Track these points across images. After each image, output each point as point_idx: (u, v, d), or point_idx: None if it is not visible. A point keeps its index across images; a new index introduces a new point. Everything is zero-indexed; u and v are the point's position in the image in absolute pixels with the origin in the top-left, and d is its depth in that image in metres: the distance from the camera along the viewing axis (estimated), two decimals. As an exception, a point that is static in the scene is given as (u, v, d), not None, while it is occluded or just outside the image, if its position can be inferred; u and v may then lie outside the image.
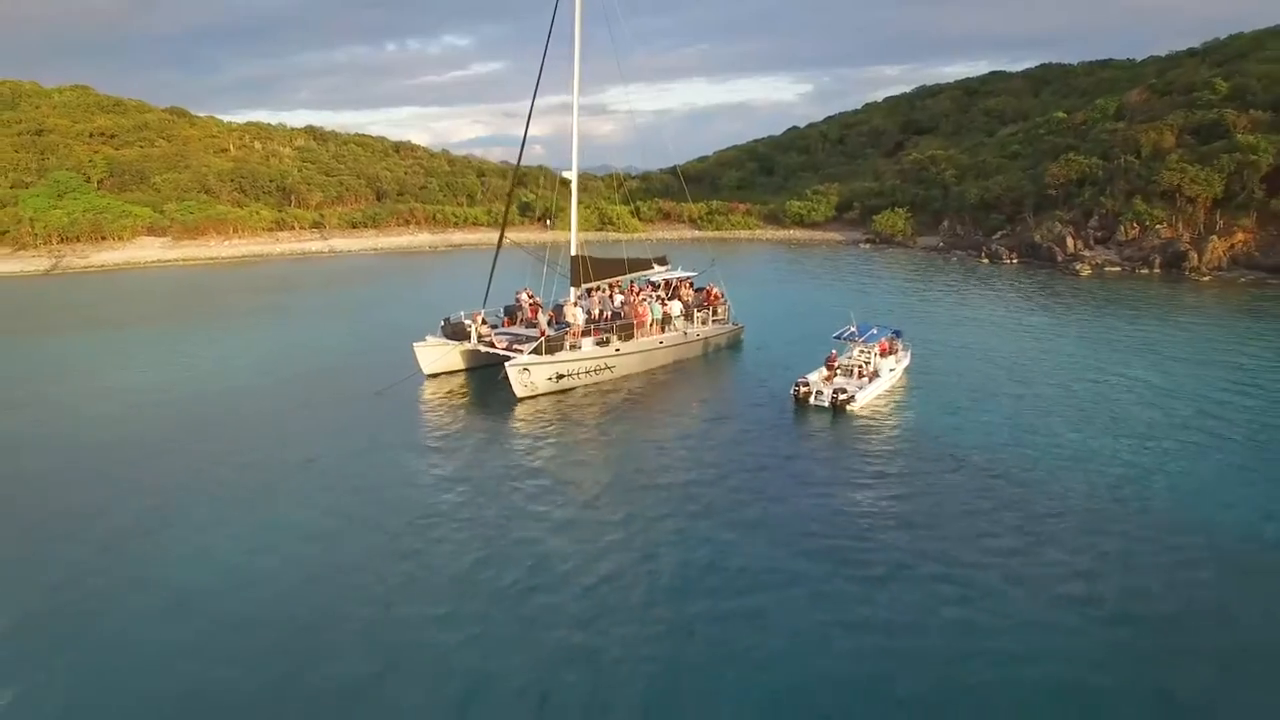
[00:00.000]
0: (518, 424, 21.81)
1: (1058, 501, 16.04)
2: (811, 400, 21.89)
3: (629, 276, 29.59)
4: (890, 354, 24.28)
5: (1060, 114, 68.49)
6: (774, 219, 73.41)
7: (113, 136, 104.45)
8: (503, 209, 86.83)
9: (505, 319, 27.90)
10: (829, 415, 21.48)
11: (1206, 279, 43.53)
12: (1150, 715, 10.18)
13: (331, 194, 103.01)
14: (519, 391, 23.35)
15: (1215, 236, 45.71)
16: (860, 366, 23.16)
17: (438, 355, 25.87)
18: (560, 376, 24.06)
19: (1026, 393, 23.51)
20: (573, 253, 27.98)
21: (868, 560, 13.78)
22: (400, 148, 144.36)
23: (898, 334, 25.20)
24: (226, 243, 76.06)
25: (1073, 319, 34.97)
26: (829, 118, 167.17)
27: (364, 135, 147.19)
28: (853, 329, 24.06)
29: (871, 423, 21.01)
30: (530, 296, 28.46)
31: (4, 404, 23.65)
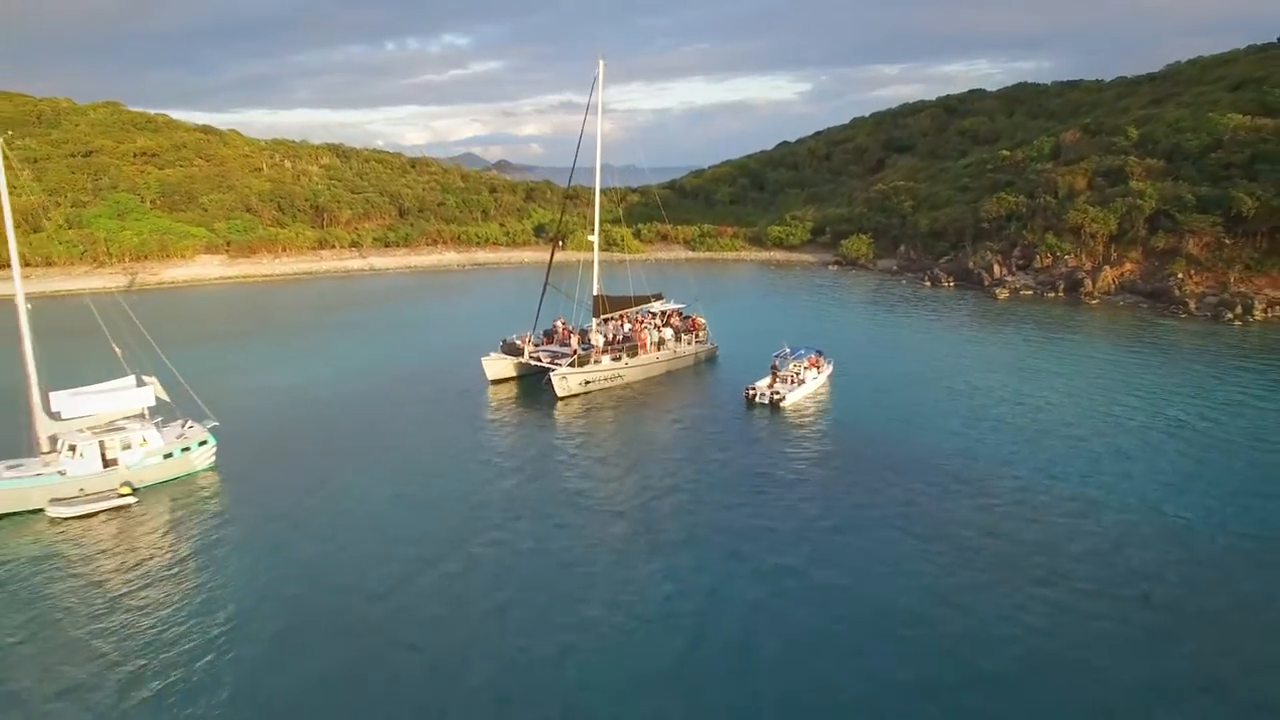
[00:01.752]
0: (559, 413, 32.46)
1: (920, 461, 26.64)
2: (756, 399, 32.53)
3: (634, 309, 40.24)
4: (815, 367, 34.91)
5: (1005, 152, 78.93)
6: (757, 241, 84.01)
7: (155, 156, 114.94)
8: (516, 225, 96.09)
9: (545, 339, 38.50)
10: (769, 410, 32.11)
11: (1095, 302, 54.20)
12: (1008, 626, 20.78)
13: (359, 211, 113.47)
14: (559, 392, 33.98)
15: (1108, 266, 56.36)
16: (792, 376, 33.78)
17: (499, 366, 36.50)
18: (587, 382, 34.69)
19: (919, 390, 34.14)
20: (594, 293, 38.68)
21: (781, 491, 24.43)
22: (416, 163, 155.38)
23: (820, 352, 35.85)
24: (276, 260, 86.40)
25: (975, 334, 45.63)
26: (817, 133, 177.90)
27: (382, 152, 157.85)
28: (786, 350, 34.72)
29: (796, 415, 31.64)
30: (564, 324, 39.08)
31: (205, 401, 34.24)
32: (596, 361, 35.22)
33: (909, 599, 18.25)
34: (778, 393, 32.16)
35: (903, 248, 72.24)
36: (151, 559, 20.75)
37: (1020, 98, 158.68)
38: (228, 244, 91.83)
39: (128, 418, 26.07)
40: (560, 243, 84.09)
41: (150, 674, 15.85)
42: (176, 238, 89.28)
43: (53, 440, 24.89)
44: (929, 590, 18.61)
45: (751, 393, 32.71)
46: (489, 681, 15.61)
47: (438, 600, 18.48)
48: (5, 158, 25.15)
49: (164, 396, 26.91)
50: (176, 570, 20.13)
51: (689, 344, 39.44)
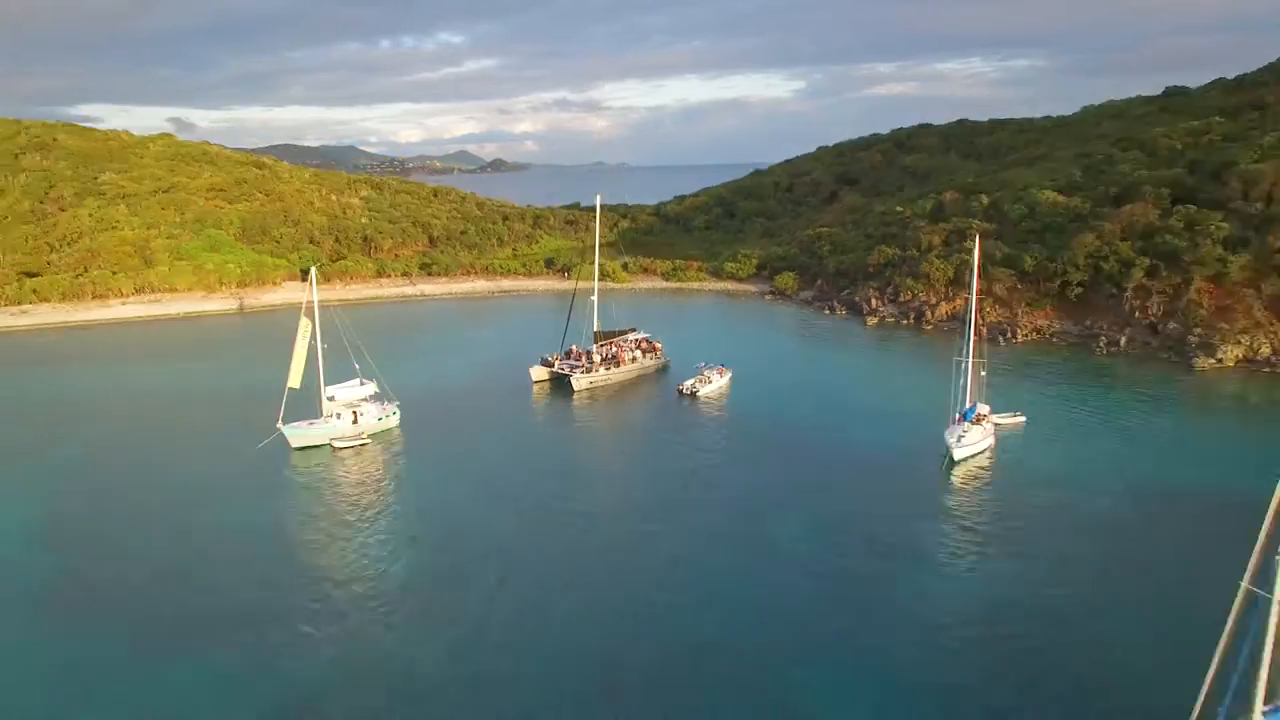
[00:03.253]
0: (575, 401, 58.41)
1: (772, 423, 52.47)
2: (684, 392, 58.40)
3: (618, 338, 66.02)
4: (720, 373, 60.76)
5: (899, 208, 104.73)
6: (716, 273, 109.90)
7: (222, 191, 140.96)
8: (527, 250, 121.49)
9: (565, 356, 64.33)
10: (689, 400, 57.96)
11: (930, 328, 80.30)
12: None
13: (397, 240, 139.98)
14: (575, 389, 59.84)
15: (944, 302, 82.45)
16: (706, 378, 59.62)
17: (538, 373, 62.31)
18: (592, 383, 60.55)
19: (783, 380, 59.95)
20: (594, 329, 64.55)
21: (689, 435, 50.42)
22: (439, 192, 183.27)
23: (724, 365, 61.71)
24: (347, 287, 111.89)
25: (837, 347, 71.57)
26: (786, 161, 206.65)
27: (409, 182, 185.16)
28: (704, 364, 60.63)
29: (704, 402, 57.51)
30: (577, 348, 64.89)
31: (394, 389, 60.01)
32: (596, 371, 61.09)
33: (757, 503, 44.15)
34: (695, 388, 58.08)
35: (819, 282, 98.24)
36: (377, 469, 46.65)
37: (959, 134, 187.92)
38: (303, 273, 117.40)
39: (362, 399, 51.90)
40: (566, 273, 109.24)
41: (375, 518, 41.71)
42: (267, 269, 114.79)
43: (330, 410, 50.68)
44: (766, 499, 44.51)
45: (681, 388, 58.67)
46: (589, 528, 41.51)
47: (540, 483, 44.38)
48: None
49: (374, 390, 52.73)
50: (389, 473, 46.06)
51: (650, 359, 65.34)
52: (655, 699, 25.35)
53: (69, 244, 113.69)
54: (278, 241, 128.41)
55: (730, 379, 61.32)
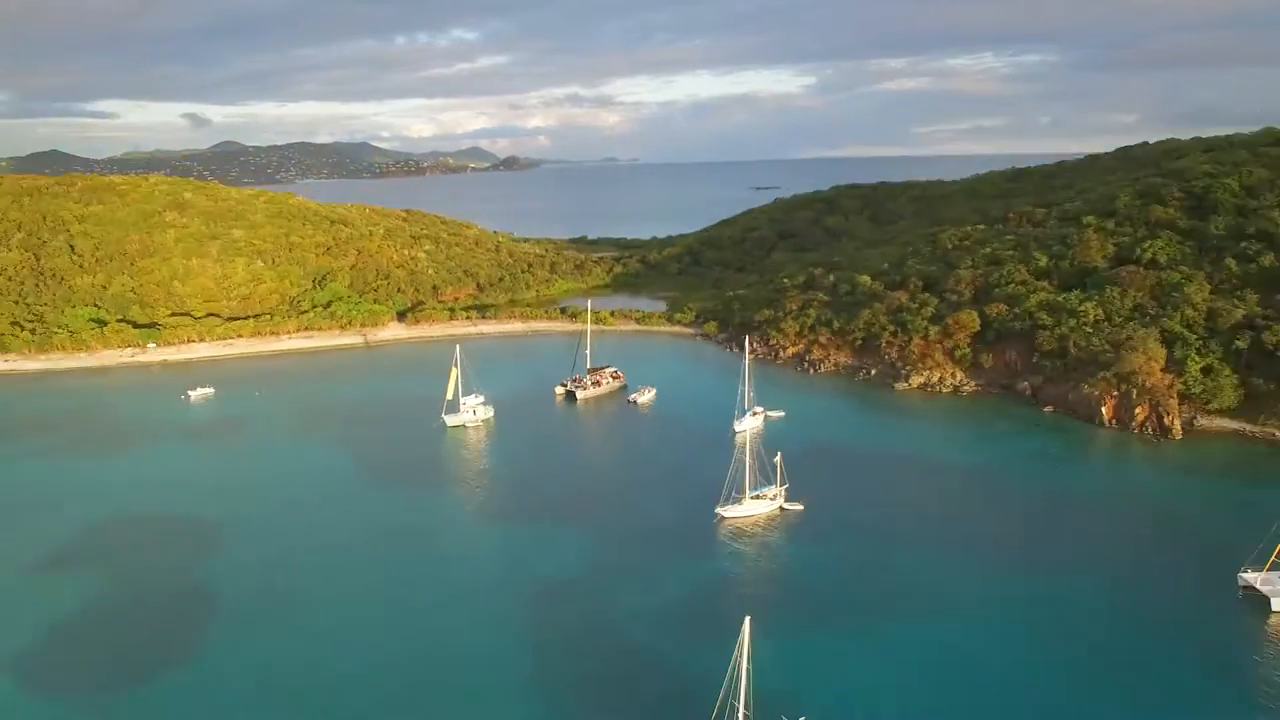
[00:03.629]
0: (578, 406, 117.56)
1: (672, 415, 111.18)
2: (630, 401, 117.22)
3: (600, 371, 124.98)
4: (616, 378, 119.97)
5: (785, 279, 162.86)
6: (671, 319, 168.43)
7: (329, 249, 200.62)
8: (546, 291, 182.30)
9: (574, 381, 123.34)
10: (633, 405, 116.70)
11: (780, 361, 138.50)
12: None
13: (455, 286, 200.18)
14: (579, 399, 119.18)
15: (792, 346, 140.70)
16: (603, 381, 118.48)
17: (558, 391, 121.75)
18: (586, 397, 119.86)
19: (684, 392, 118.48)
20: (588, 366, 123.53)
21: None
22: (480, 240, 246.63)
23: (618, 372, 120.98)
24: (434, 326, 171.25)
25: (722, 371, 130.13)
26: (747, 211, 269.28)
27: (456, 234, 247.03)
28: (641, 387, 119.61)
29: (643, 408, 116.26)
30: (578, 377, 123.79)
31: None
32: (588, 389, 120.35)
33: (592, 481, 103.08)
34: (635, 400, 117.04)
35: (729, 329, 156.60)
36: (489, 435, 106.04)
37: (873, 197, 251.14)
38: (401, 315, 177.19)
39: (479, 403, 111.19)
40: (574, 316, 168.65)
41: (491, 451, 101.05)
42: (376, 313, 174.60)
43: (466, 407, 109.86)
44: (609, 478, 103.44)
45: (629, 399, 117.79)
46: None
47: (563, 443, 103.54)
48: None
49: (483, 398, 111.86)
50: (494, 438, 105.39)
51: (616, 383, 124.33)
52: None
53: (241, 296, 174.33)
54: (376, 290, 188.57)
55: (622, 385, 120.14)
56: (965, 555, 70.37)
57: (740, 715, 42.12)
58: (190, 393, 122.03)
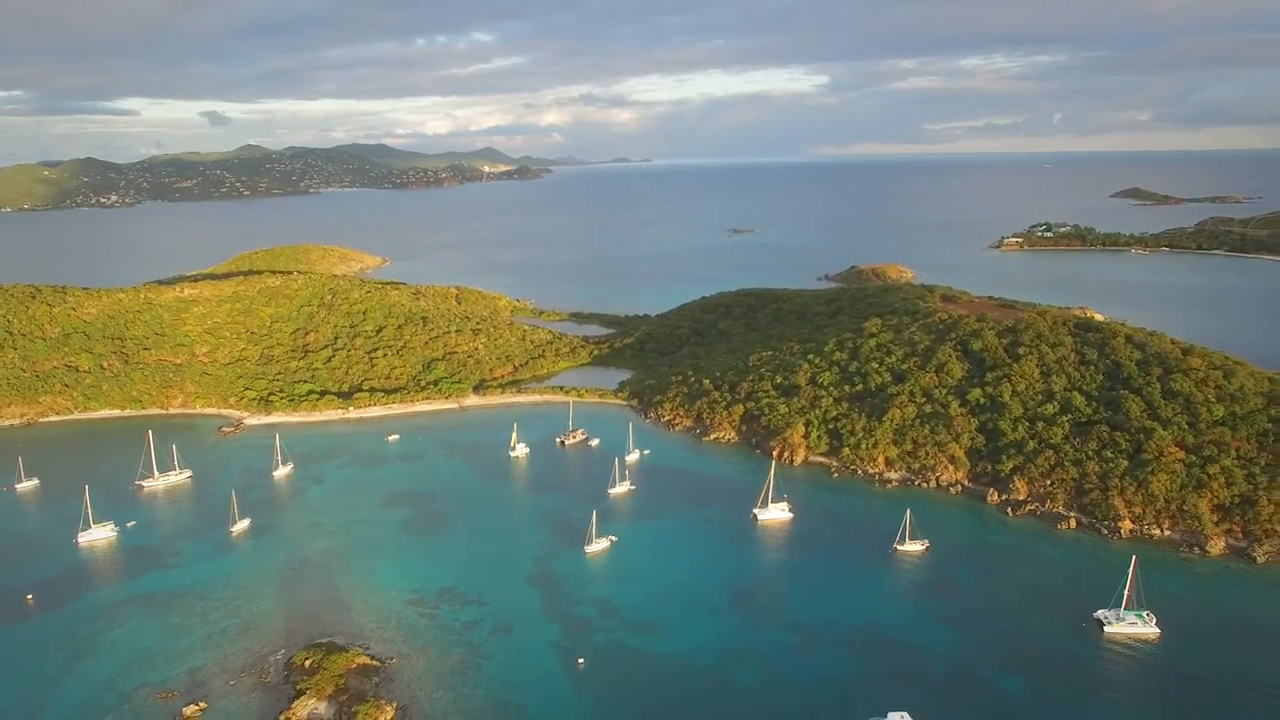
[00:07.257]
0: (567, 450, 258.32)
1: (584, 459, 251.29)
2: (585, 442, 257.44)
3: (577, 431, 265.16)
4: (583, 434, 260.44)
5: (705, 380, 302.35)
6: (616, 395, 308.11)
7: (428, 342, 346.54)
8: (552, 366, 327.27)
9: (569, 435, 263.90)
10: (587, 446, 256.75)
11: (677, 429, 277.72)
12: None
13: (501, 366, 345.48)
14: (567, 444, 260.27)
15: (684, 417, 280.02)
16: (577, 437, 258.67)
17: (558, 440, 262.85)
18: (567, 446, 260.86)
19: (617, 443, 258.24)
20: (569, 430, 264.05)
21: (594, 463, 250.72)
22: (511, 326, 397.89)
23: (584, 430, 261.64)
24: (495, 397, 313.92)
25: (646, 436, 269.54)
26: (680, 307, 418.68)
27: (491, 308, 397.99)
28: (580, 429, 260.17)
29: (591, 449, 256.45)
30: (567, 435, 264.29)
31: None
32: (569, 443, 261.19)
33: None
34: (586, 441, 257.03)
35: (642, 403, 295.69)
36: (531, 463, 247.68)
37: (762, 303, 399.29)
38: (475, 388, 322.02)
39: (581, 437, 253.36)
40: (569, 391, 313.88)
41: (559, 479, 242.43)
42: (457, 383, 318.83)
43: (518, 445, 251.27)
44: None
45: (589, 443, 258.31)
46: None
47: (568, 462, 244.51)
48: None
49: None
50: (532, 462, 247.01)
51: (584, 438, 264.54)
52: None
53: (384, 373, 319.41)
54: (461, 367, 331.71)
55: (597, 442, 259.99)
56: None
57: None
58: (389, 438, 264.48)
